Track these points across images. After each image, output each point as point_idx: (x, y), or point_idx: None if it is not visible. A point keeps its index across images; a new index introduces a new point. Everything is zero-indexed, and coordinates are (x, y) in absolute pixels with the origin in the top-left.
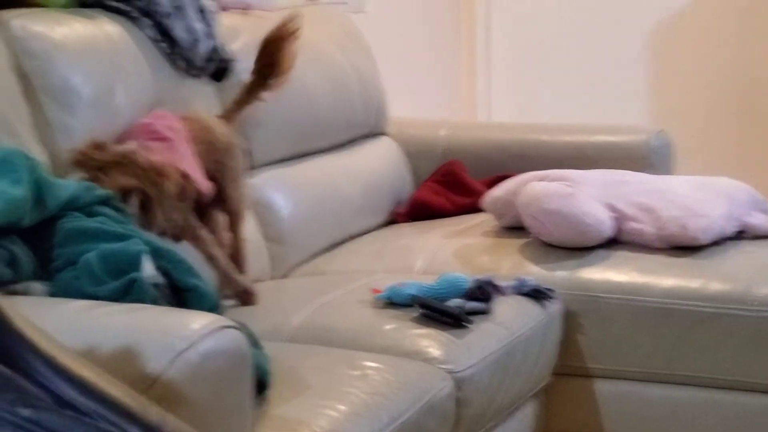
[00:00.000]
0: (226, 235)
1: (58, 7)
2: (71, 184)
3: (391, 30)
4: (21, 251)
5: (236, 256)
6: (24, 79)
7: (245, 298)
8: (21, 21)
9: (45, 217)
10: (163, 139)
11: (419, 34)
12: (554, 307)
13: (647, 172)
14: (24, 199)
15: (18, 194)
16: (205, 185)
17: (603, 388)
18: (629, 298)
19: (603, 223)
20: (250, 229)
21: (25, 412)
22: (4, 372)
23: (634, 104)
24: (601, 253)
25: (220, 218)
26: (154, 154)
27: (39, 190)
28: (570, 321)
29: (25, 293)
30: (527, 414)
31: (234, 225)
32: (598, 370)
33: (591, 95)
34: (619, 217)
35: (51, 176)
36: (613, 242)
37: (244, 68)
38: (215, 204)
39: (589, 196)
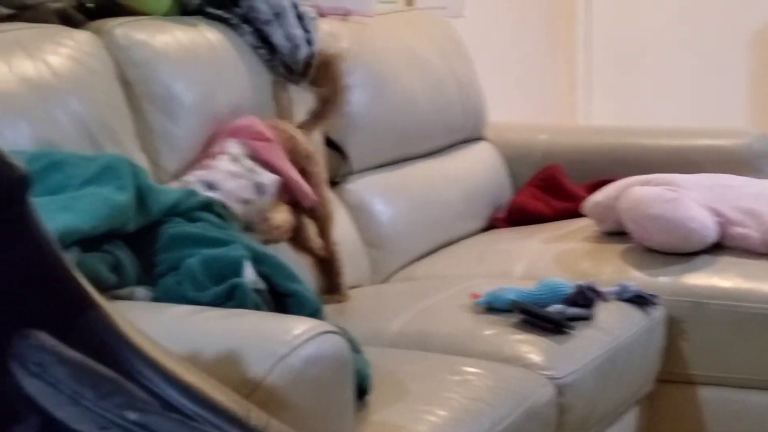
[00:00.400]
0: (317, 242)
1: (160, 15)
2: (173, 190)
3: (489, 34)
4: (125, 256)
5: (330, 261)
6: (127, 86)
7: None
8: (124, 29)
9: (148, 223)
10: (266, 139)
11: (518, 38)
12: (657, 313)
13: (750, 176)
14: (128, 205)
15: (122, 200)
16: (306, 186)
17: (706, 394)
18: (733, 304)
19: (707, 227)
20: (349, 234)
21: (133, 416)
22: (112, 376)
23: (736, 107)
24: (704, 258)
25: (310, 226)
26: (259, 153)
27: (142, 196)
28: (673, 327)
29: (129, 298)
30: (630, 421)
31: (323, 231)
32: (701, 376)
33: (692, 98)
34: (724, 222)
35: (153, 182)
36: (717, 247)
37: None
38: (303, 211)
39: (693, 201)
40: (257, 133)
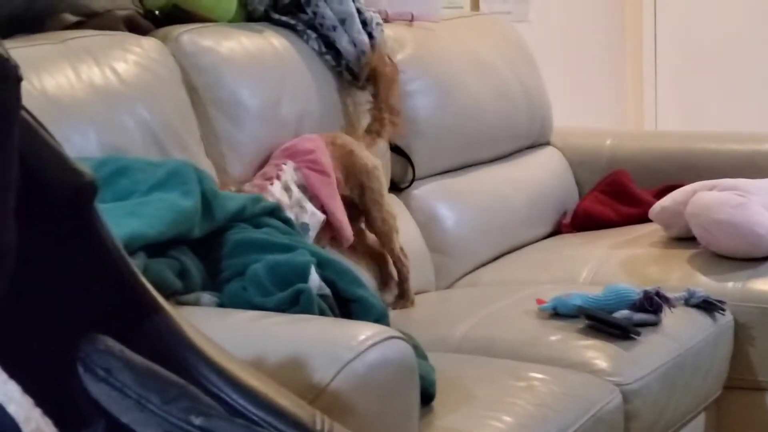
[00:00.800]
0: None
1: (226, 21)
2: (239, 196)
3: (555, 39)
4: (191, 262)
5: (396, 267)
6: (193, 92)
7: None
8: (190, 36)
9: (213, 229)
10: (323, 173)
11: (584, 43)
12: (725, 319)
13: None
14: (194, 211)
15: (188, 206)
16: (348, 230)
17: None
18: None
19: None
20: (415, 239)
21: (198, 421)
22: (177, 381)
23: None
24: None
25: (371, 237)
26: (311, 185)
27: (208, 202)
28: (741, 333)
29: (195, 303)
30: (698, 428)
31: (384, 245)
32: None
33: (760, 102)
34: None
35: (219, 189)
36: None
37: (408, 79)
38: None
39: (761, 206)
40: (315, 162)
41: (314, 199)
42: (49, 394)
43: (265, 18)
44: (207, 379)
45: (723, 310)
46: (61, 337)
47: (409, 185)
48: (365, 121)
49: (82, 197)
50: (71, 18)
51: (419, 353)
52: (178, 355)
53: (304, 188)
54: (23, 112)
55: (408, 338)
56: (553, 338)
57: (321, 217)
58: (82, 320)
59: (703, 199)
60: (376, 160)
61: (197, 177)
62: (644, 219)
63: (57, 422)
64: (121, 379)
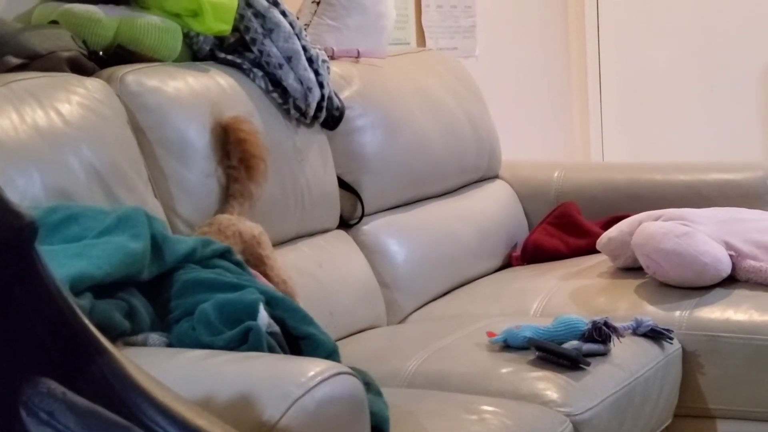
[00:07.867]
0: None
1: (171, 61)
2: (189, 239)
3: (501, 74)
4: (139, 303)
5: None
6: (139, 133)
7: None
8: (135, 76)
9: (163, 271)
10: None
11: (530, 78)
12: (672, 347)
13: (763, 210)
14: (142, 253)
15: (136, 248)
16: None
17: (725, 428)
18: (749, 337)
19: (720, 261)
20: (365, 275)
21: None
22: (121, 423)
23: (748, 141)
24: (718, 291)
25: None
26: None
27: (157, 245)
28: (689, 361)
29: (144, 344)
30: None
31: None
32: (719, 410)
33: (704, 133)
34: (737, 255)
35: (169, 233)
36: (731, 280)
37: (355, 115)
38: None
39: (706, 235)
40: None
41: None
42: None
43: (211, 57)
44: (152, 420)
45: (671, 338)
46: (2, 380)
47: (359, 221)
48: (314, 157)
49: (21, 239)
50: (14, 60)
51: (374, 390)
52: (123, 396)
53: None
54: None
55: (361, 374)
56: (504, 371)
57: None
58: (24, 363)
59: (649, 229)
60: (256, 225)
61: (147, 221)
62: (593, 250)
63: None
64: (64, 422)
